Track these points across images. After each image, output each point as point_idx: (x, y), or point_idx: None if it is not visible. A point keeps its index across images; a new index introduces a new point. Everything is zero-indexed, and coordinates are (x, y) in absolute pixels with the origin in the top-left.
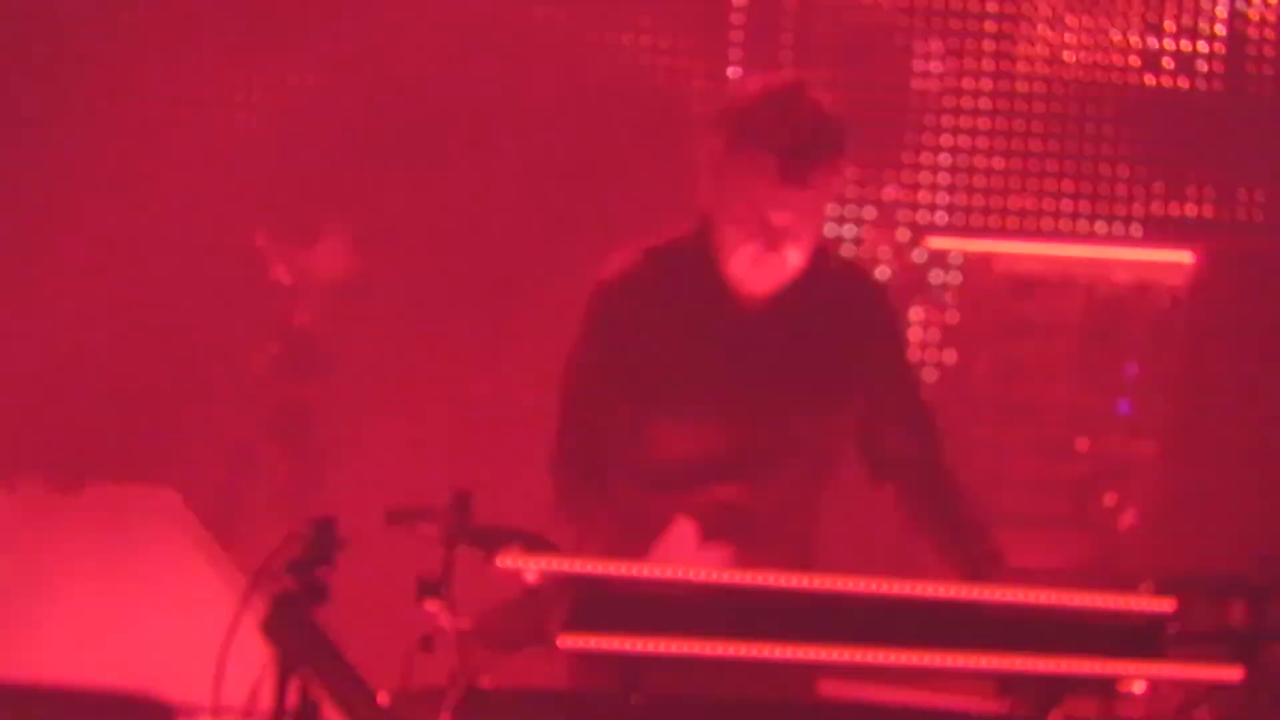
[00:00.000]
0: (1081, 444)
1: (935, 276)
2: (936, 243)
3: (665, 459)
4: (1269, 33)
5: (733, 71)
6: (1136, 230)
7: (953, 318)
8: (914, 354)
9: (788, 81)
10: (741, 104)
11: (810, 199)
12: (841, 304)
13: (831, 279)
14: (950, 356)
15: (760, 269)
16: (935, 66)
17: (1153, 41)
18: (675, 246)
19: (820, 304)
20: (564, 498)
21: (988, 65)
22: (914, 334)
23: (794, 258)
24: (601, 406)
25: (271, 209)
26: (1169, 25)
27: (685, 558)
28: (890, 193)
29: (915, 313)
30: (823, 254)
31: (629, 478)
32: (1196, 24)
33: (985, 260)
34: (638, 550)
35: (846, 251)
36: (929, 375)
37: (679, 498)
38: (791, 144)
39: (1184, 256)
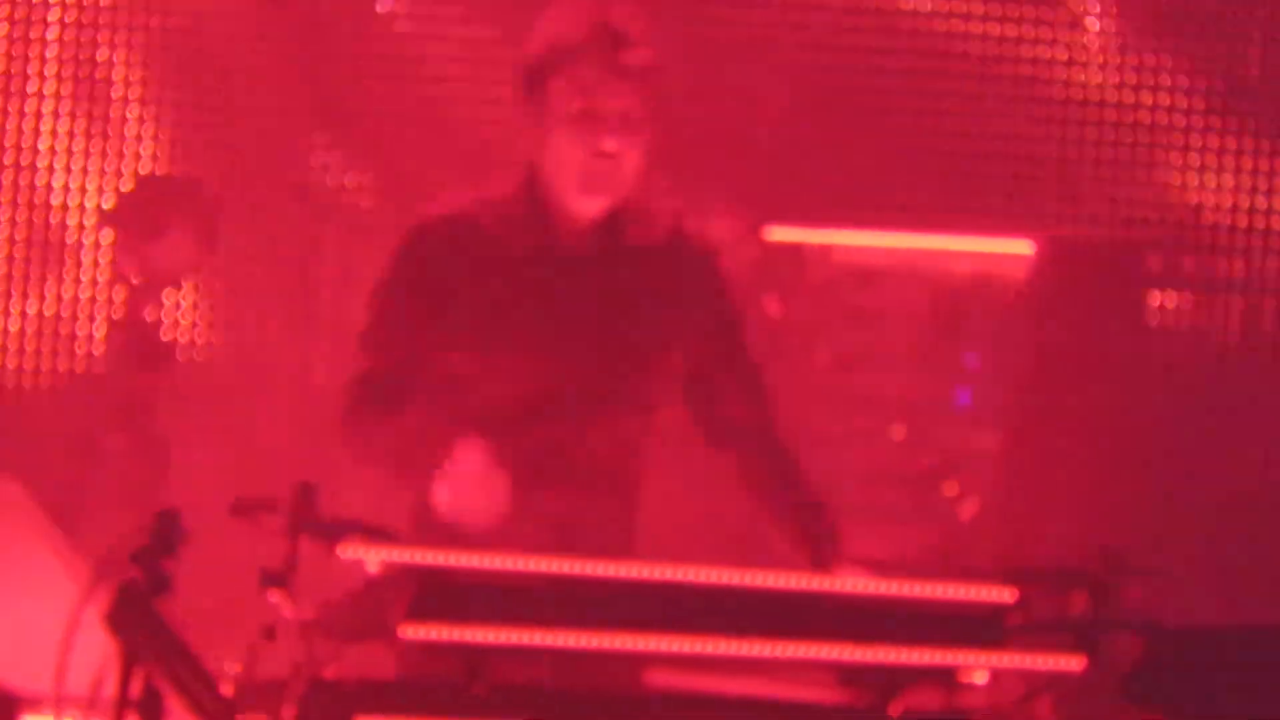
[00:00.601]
0: (922, 436)
1: (774, 267)
2: (777, 233)
3: (484, 402)
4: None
5: None
6: (979, 222)
7: (791, 308)
8: (749, 333)
9: (577, 6)
10: (547, 18)
11: (637, 73)
12: (668, 258)
13: (658, 229)
14: (789, 348)
15: (596, 169)
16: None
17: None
18: (500, 196)
19: (644, 253)
20: (354, 414)
21: (845, 57)
22: (753, 325)
23: (631, 157)
24: (404, 344)
25: (120, 203)
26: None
27: (472, 484)
28: (730, 182)
29: (755, 303)
30: (646, 205)
31: (438, 415)
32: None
33: (825, 251)
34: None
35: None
36: (769, 367)
37: (503, 439)
38: (612, 35)
39: (1025, 248)
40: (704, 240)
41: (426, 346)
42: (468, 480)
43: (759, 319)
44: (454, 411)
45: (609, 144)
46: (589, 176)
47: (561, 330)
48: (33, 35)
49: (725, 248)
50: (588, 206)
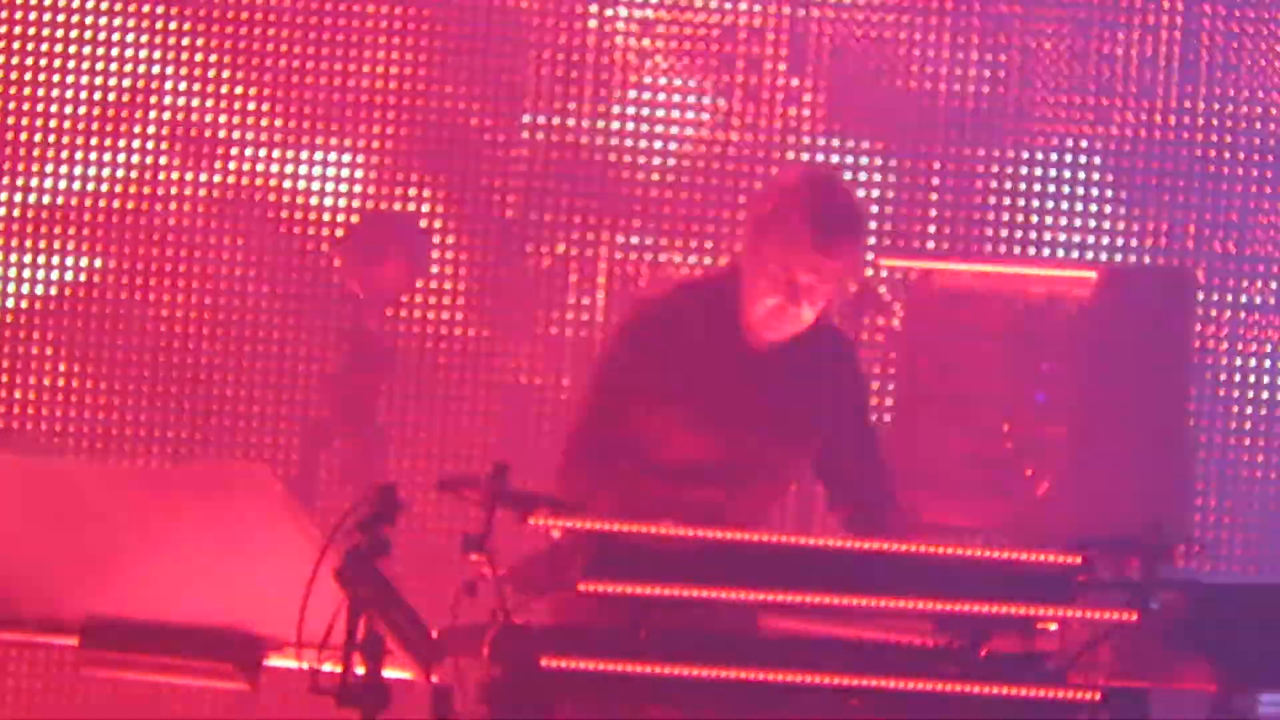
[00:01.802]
0: (1005, 427)
1: (887, 290)
2: (888, 262)
3: (665, 460)
4: (1174, 90)
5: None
6: (1051, 251)
7: (900, 324)
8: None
9: (826, 169)
10: (786, 181)
11: (833, 269)
12: (824, 357)
13: (820, 336)
14: (898, 356)
15: (779, 320)
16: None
17: (1073, 96)
18: (707, 285)
19: (808, 356)
20: (569, 478)
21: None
22: (870, 338)
23: (808, 315)
24: (620, 406)
25: (347, 233)
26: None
27: None
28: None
29: (871, 321)
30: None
31: (634, 471)
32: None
33: (927, 276)
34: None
35: None
36: (881, 373)
37: (672, 491)
38: (826, 217)
39: (1089, 273)
40: (849, 339)
41: (635, 409)
42: None
43: (877, 331)
44: (652, 472)
45: (795, 309)
46: (773, 323)
47: (733, 411)
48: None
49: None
50: (766, 337)
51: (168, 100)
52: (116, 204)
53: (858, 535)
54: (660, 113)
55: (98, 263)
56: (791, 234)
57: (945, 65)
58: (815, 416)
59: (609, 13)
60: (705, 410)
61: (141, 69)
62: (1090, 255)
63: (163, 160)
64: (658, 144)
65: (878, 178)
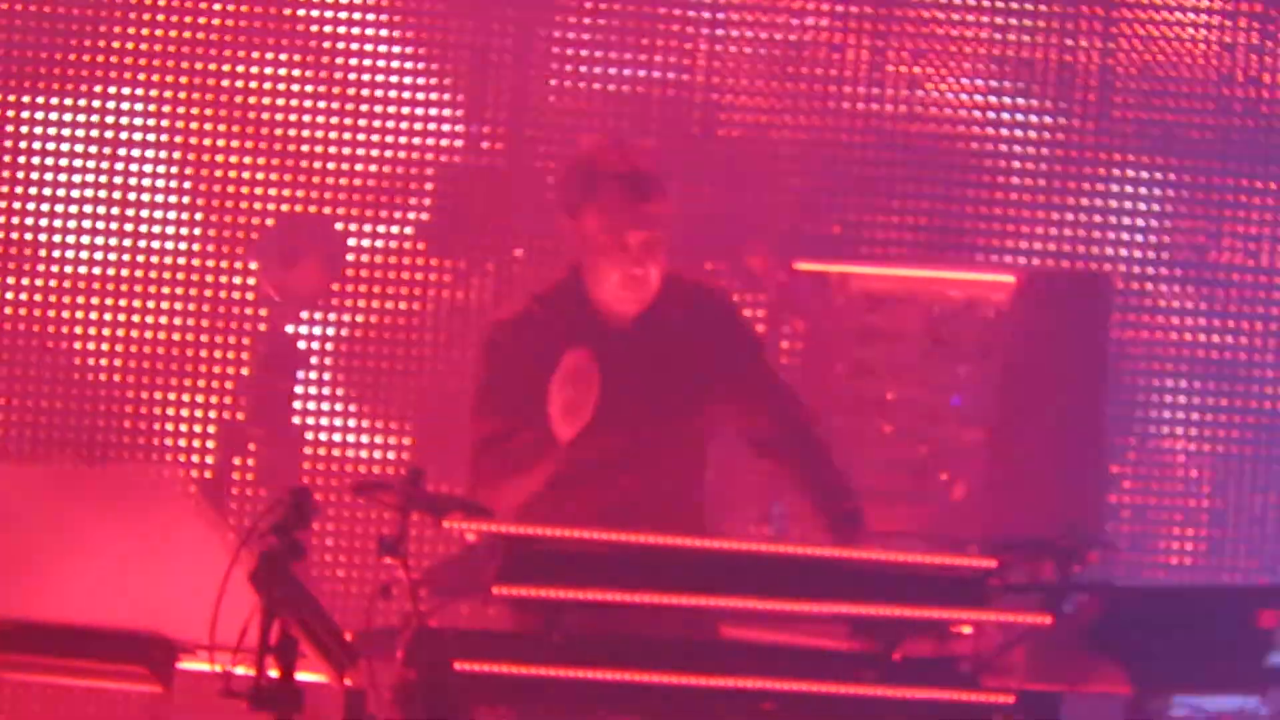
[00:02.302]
0: (921, 431)
1: (802, 293)
2: (804, 265)
3: (569, 462)
4: (1091, 95)
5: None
6: (968, 256)
7: (816, 328)
8: (770, 354)
9: (608, 139)
10: (579, 162)
11: (656, 215)
12: (694, 318)
13: (683, 298)
14: (814, 359)
15: (629, 290)
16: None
17: (990, 99)
18: (553, 289)
19: (675, 321)
20: (483, 475)
21: (851, 111)
22: (784, 343)
23: (654, 273)
24: (505, 427)
25: (263, 236)
26: (1007, 87)
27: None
28: (764, 225)
29: (787, 326)
30: (672, 279)
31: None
32: (1028, 85)
33: (843, 279)
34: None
35: (729, 275)
36: (796, 376)
37: (583, 492)
38: (629, 173)
39: (1006, 278)
40: (718, 296)
41: (520, 428)
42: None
43: (790, 335)
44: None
45: (640, 272)
46: (620, 294)
47: (618, 394)
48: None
49: (760, 279)
50: (622, 313)
51: (69, 101)
52: (30, 205)
53: (786, 477)
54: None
55: (11, 266)
56: (605, 201)
57: (864, 69)
58: (701, 377)
59: None
60: None
61: (33, 68)
62: (1008, 259)
63: (76, 163)
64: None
65: (797, 182)
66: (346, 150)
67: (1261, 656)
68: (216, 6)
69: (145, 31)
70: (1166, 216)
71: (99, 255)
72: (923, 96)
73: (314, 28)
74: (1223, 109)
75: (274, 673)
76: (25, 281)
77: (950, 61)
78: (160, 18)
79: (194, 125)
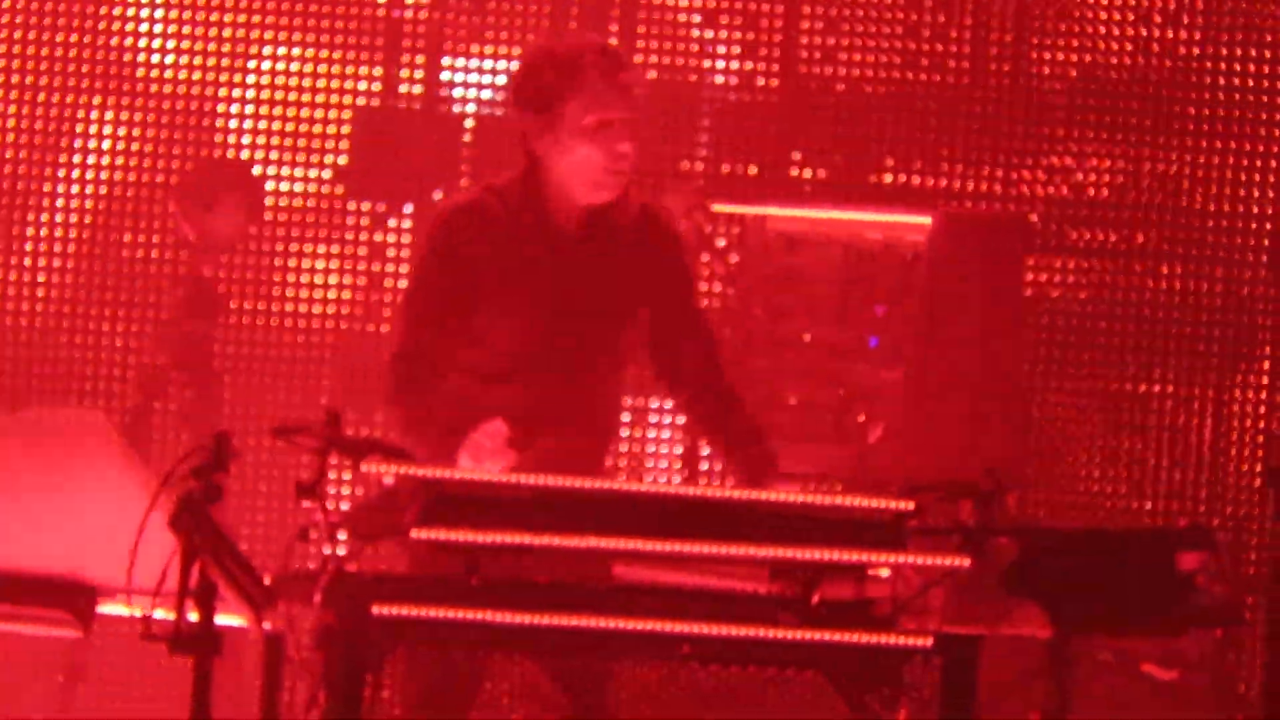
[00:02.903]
0: (839, 372)
1: (719, 235)
2: (720, 207)
3: (491, 354)
4: (1008, 36)
5: None
6: (887, 196)
7: (733, 269)
8: (700, 293)
9: (569, 32)
10: (544, 54)
11: (633, 89)
12: (638, 231)
13: (631, 212)
14: (731, 301)
15: (612, 169)
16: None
17: (909, 42)
18: (507, 183)
19: (621, 230)
20: (400, 390)
21: (769, 56)
22: (702, 283)
23: (632, 153)
24: (439, 311)
25: (182, 178)
26: (924, 28)
27: (491, 450)
28: (683, 164)
29: (704, 266)
30: (624, 193)
31: (462, 373)
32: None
33: (760, 221)
34: (460, 434)
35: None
36: (715, 317)
37: (504, 389)
38: (600, 50)
39: (924, 219)
40: (667, 218)
41: (453, 316)
42: (486, 453)
43: (706, 277)
44: (467, 366)
45: (624, 148)
46: (607, 176)
47: (554, 297)
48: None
49: (678, 218)
50: (599, 199)
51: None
52: None
53: (697, 421)
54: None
55: None
56: (587, 81)
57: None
58: (636, 289)
59: None
60: (523, 298)
61: None
62: (925, 201)
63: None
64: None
65: (718, 124)
66: (265, 94)
67: (1181, 599)
68: None
69: None
70: (1084, 155)
71: (18, 200)
72: (841, 41)
73: None
74: (1140, 49)
75: (193, 616)
76: None
77: (867, 3)
78: None
79: (109, 70)
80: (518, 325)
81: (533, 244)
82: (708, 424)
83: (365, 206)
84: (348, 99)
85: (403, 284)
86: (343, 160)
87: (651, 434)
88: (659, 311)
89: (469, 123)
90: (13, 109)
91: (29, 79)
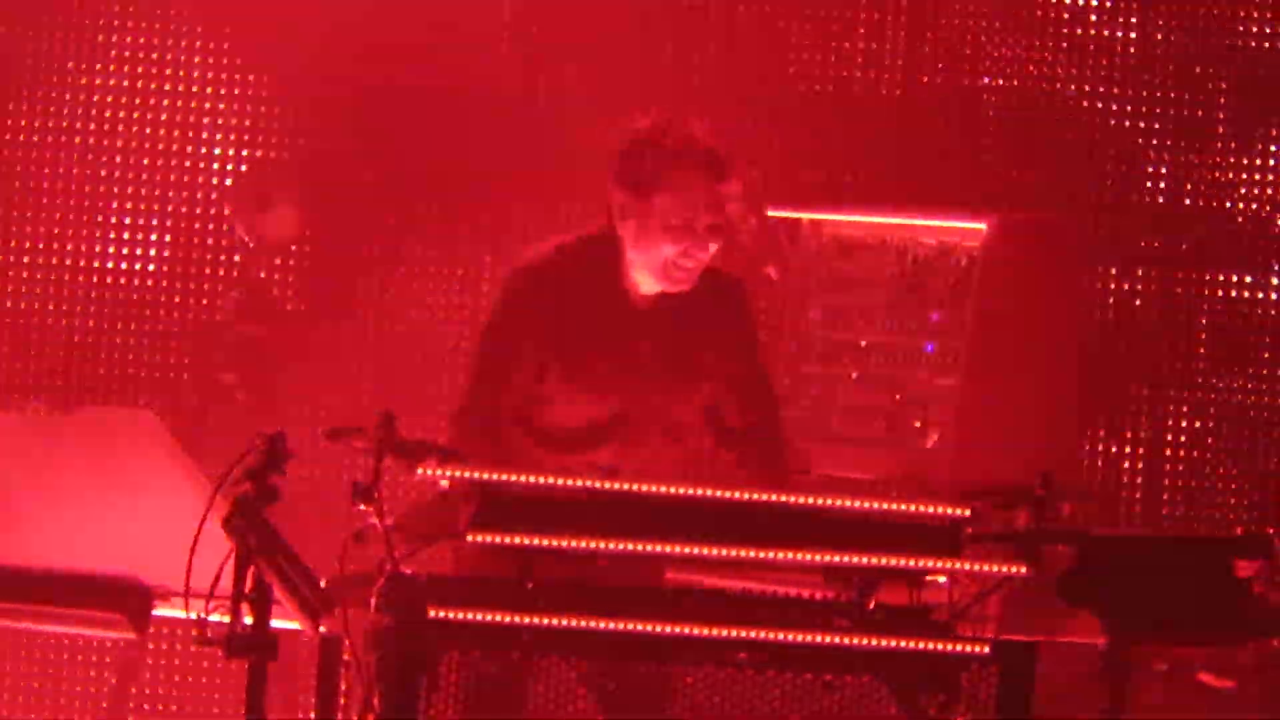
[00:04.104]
0: (894, 378)
1: (774, 240)
2: (775, 212)
3: (554, 424)
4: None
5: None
6: (940, 202)
7: (788, 274)
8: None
9: (670, 115)
10: (650, 136)
11: (728, 198)
12: (707, 303)
13: (704, 281)
14: (786, 306)
15: (681, 270)
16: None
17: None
18: (584, 246)
19: (691, 302)
20: (462, 445)
21: (824, 61)
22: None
23: (710, 255)
24: (506, 373)
25: (236, 181)
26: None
27: None
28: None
29: (758, 270)
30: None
31: (524, 440)
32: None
33: (815, 226)
34: None
35: None
36: (770, 322)
37: (563, 456)
38: (708, 151)
39: (979, 224)
40: (736, 288)
41: (521, 376)
42: None
43: (762, 282)
44: (528, 429)
45: (699, 254)
46: (674, 275)
47: (622, 371)
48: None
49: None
50: (667, 290)
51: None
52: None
53: (749, 474)
54: None
55: None
56: (682, 183)
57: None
58: (703, 363)
59: None
60: (592, 368)
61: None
62: (981, 206)
63: (52, 94)
64: None
65: (771, 129)
66: (308, 95)
67: (1237, 607)
68: None
69: None
70: (1135, 161)
71: (71, 200)
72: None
73: None
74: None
75: (248, 619)
76: None
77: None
78: None
79: (158, 71)
80: (584, 396)
81: (604, 315)
82: (753, 469)
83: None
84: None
85: (458, 286)
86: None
87: None
88: (725, 380)
89: None
90: (53, 108)
91: (82, 79)
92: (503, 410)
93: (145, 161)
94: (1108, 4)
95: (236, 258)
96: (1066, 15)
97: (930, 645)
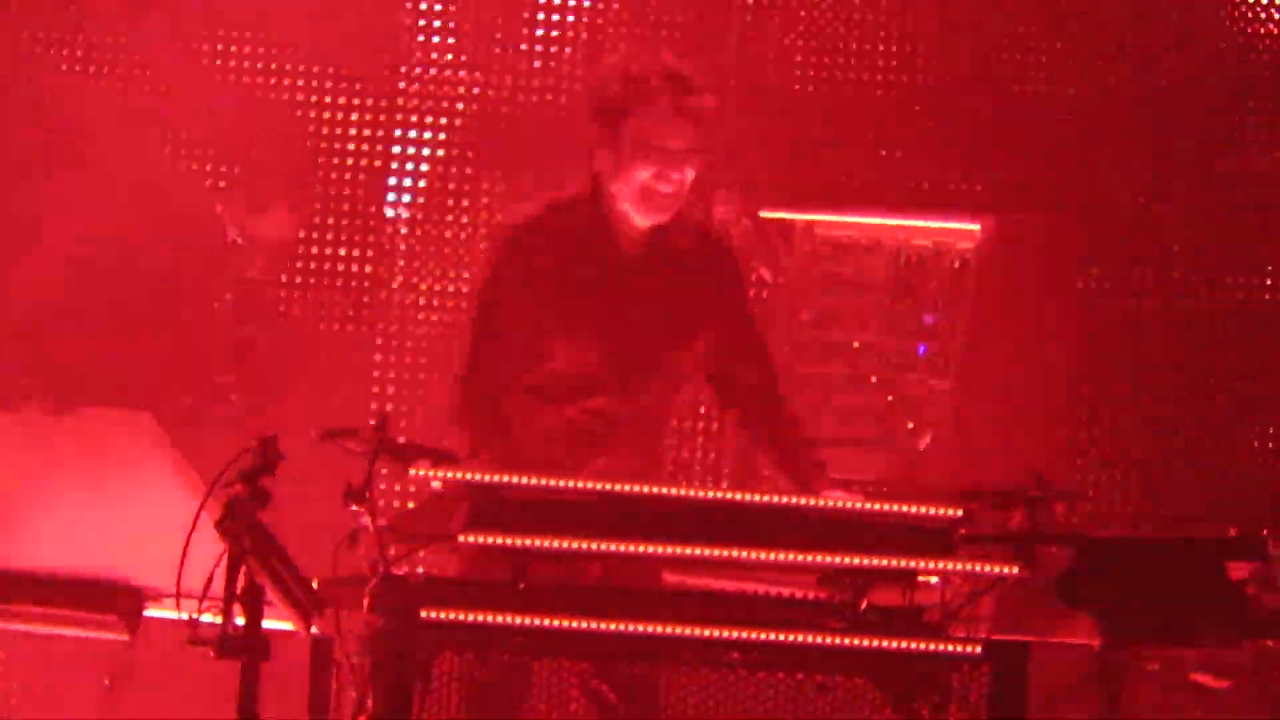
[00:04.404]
0: (887, 379)
1: (767, 241)
2: (768, 213)
3: (552, 374)
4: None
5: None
6: (934, 203)
7: (781, 275)
8: (752, 303)
9: (636, 47)
10: (620, 69)
11: (697, 131)
12: (699, 255)
13: (691, 234)
14: (780, 307)
15: (659, 196)
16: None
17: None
18: (571, 200)
19: (682, 254)
20: (466, 410)
21: (817, 64)
22: (750, 291)
23: (688, 178)
24: (505, 330)
25: (229, 182)
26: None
27: None
28: (731, 171)
29: (753, 271)
30: (684, 214)
31: (523, 390)
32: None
33: (808, 228)
34: (524, 453)
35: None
36: (763, 323)
37: (561, 407)
38: (676, 70)
39: (973, 226)
40: (726, 241)
41: (519, 335)
42: None
43: (755, 283)
44: (529, 385)
45: (675, 176)
46: (655, 201)
47: (614, 318)
48: None
49: (726, 225)
50: (651, 221)
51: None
52: None
53: (751, 436)
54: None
55: None
56: (652, 103)
57: (826, 10)
58: (696, 313)
59: None
60: (586, 317)
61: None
62: (975, 208)
63: (49, 93)
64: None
65: (763, 130)
66: (303, 96)
67: (1231, 608)
68: None
69: None
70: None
71: (67, 203)
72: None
73: None
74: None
75: (240, 620)
76: None
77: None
78: None
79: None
80: (578, 346)
81: (595, 265)
82: (759, 438)
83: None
84: (384, 101)
85: (452, 287)
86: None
87: (700, 454)
88: (718, 335)
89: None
90: (45, 110)
91: (75, 80)
92: (503, 372)
93: (140, 162)
94: (1105, 4)
95: (231, 257)
96: (1062, 15)
97: (923, 646)
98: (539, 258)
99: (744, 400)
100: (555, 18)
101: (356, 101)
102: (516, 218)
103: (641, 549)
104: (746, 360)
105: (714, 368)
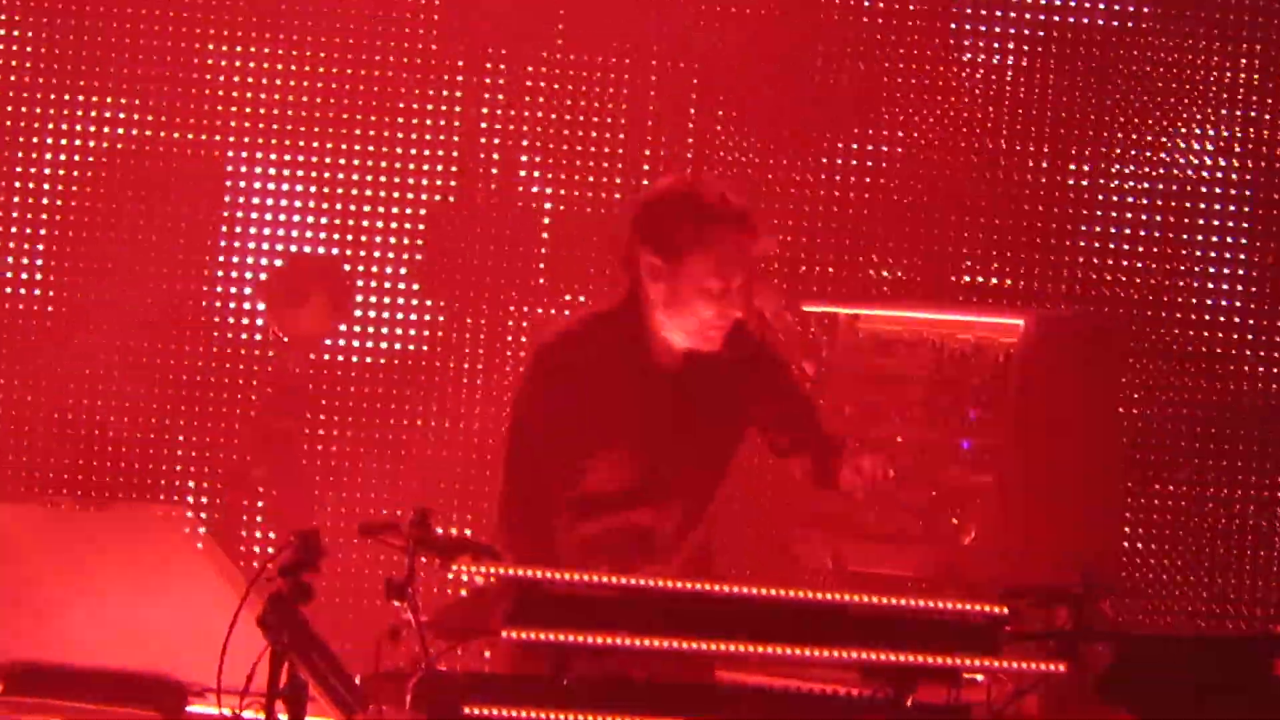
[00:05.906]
0: (930, 474)
1: (811, 335)
2: (810, 307)
3: (592, 489)
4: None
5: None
6: (977, 298)
7: (825, 369)
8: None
9: (694, 175)
10: (683, 198)
11: (760, 259)
12: (733, 355)
13: (728, 341)
14: (822, 401)
15: (713, 330)
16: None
17: (987, 141)
18: (607, 315)
19: (718, 362)
20: (514, 532)
21: (853, 157)
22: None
23: (740, 313)
24: (544, 446)
25: (268, 276)
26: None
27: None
28: (774, 265)
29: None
30: None
31: (565, 505)
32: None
33: (852, 321)
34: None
35: None
36: None
37: (603, 520)
38: (740, 212)
39: (1016, 321)
40: (749, 330)
41: (558, 450)
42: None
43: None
44: (578, 505)
45: (732, 313)
46: (708, 335)
47: (652, 433)
48: None
49: (769, 319)
50: (700, 350)
51: (92, 128)
52: (29, 230)
53: (817, 485)
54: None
55: (6, 306)
56: (718, 242)
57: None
58: (740, 413)
59: None
60: (623, 434)
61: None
62: (1016, 302)
63: (88, 189)
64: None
65: (805, 223)
66: (341, 190)
67: (1276, 706)
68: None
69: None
70: (1168, 259)
71: (103, 296)
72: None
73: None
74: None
75: (283, 716)
76: (22, 320)
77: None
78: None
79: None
80: (616, 462)
81: (632, 381)
82: (820, 479)
83: (442, 303)
84: (424, 195)
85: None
86: (418, 256)
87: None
88: (764, 415)
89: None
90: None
91: (102, 173)
92: (544, 487)
93: (177, 256)
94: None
95: (271, 353)
96: (1109, 118)
97: None
98: (575, 374)
99: (793, 450)
100: (606, 135)
101: (380, 193)
102: (553, 331)
103: (683, 645)
104: (795, 422)
105: (767, 436)
